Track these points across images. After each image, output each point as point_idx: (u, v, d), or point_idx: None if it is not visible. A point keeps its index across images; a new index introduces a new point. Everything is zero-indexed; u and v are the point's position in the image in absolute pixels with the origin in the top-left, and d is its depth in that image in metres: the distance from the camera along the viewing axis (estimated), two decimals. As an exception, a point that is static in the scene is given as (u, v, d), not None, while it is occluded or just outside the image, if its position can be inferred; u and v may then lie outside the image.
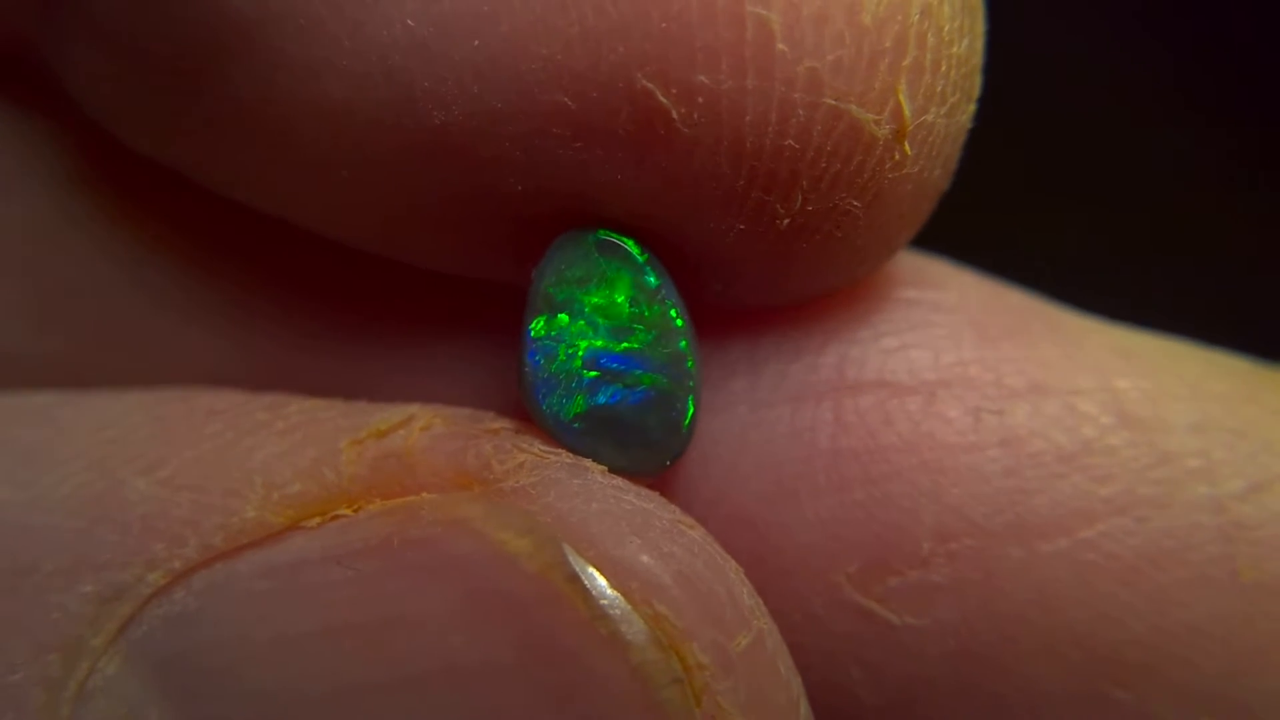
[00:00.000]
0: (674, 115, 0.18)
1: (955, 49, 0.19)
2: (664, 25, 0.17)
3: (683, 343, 0.20)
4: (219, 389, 0.20)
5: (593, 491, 0.18)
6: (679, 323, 0.20)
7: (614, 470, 0.19)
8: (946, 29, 0.18)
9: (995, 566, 0.20)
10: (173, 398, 0.20)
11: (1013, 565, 0.20)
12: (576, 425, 0.19)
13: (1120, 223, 0.57)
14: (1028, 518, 0.20)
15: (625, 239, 0.20)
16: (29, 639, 0.18)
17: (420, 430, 0.19)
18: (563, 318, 0.19)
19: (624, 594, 0.17)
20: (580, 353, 0.19)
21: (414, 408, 0.19)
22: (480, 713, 0.17)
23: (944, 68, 0.18)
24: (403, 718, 0.17)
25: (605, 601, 0.17)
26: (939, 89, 0.19)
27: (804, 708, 0.18)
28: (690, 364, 0.20)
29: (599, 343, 0.19)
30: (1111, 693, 0.20)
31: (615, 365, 0.19)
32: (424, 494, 0.18)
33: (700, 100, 0.18)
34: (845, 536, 0.21)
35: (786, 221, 0.19)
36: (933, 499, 0.20)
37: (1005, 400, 0.21)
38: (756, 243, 0.19)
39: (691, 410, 0.20)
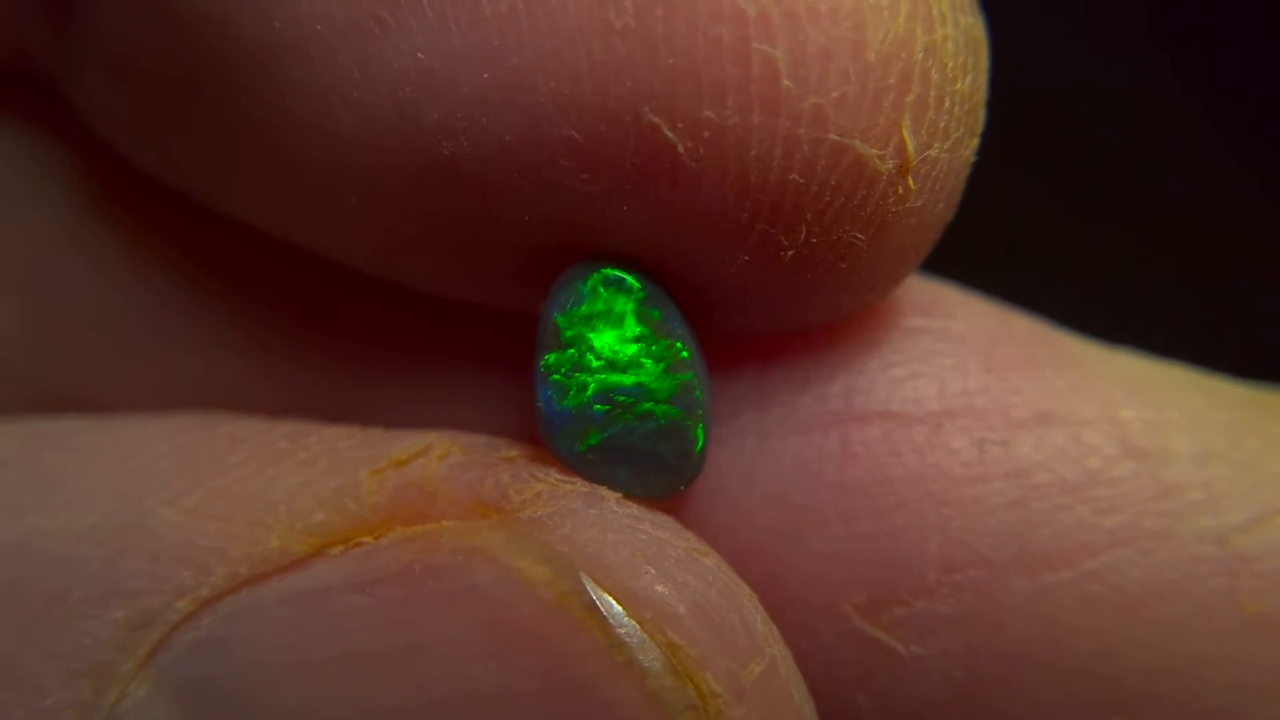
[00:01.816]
0: (680, 149, 0.18)
1: (959, 85, 0.19)
2: (671, 61, 0.18)
3: (689, 374, 0.20)
4: (239, 416, 0.21)
5: (608, 521, 0.18)
6: (685, 354, 0.20)
7: (629, 496, 0.19)
8: (950, 66, 0.19)
9: (1000, 597, 0.20)
10: (194, 425, 0.20)
11: (1017, 596, 0.20)
12: (591, 458, 0.20)
13: (1126, 245, 0.57)
14: (1032, 549, 0.20)
15: (630, 274, 0.20)
16: (60, 665, 0.18)
17: (438, 459, 0.19)
18: (571, 354, 0.20)
19: (639, 623, 0.17)
20: (590, 388, 0.20)
21: (431, 435, 0.20)
22: None
23: (947, 104, 0.19)
24: None
25: (622, 630, 0.17)
26: (942, 125, 0.19)
27: None
28: (699, 393, 0.20)
29: (608, 378, 0.20)
30: None
31: (625, 399, 0.20)
32: (444, 522, 0.19)
33: (706, 135, 0.18)
34: (852, 568, 0.21)
35: (791, 253, 0.19)
36: (938, 530, 0.21)
37: (1011, 431, 0.21)
38: (761, 274, 0.20)
39: (702, 437, 0.20)
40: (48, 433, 0.21)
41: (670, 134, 0.18)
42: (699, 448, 0.20)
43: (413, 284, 0.22)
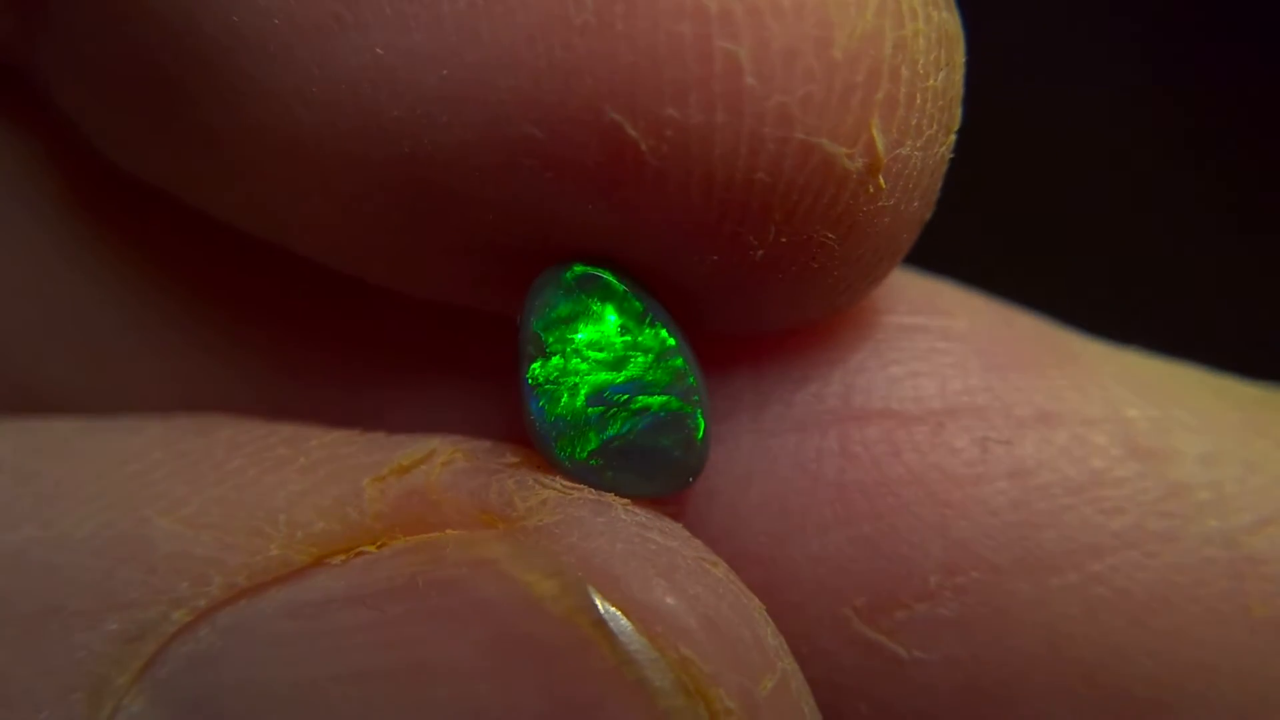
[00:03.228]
0: (643, 148, 0.18)
1: (931, 81, 0.18)
2: (632, 58, 0.17)
3: (679, 360, 0.20)
4: (237, 419, 0.20)
5: (617, 531, 0.18)
6: (671, 341, 0.20)
7: (638, 498, 0.19)
8: (922, 62, 0.18)
9: (1003, 601, 0.20)
10: (191, 430, 0.20)
11: (1021, 599, 0.20)
12: (593, 463, 0.19)
13: (1126, 245, 0.57)
14: (1036, 551, 0.20)
15: (603, 270, 0.20)
16: (54, 678, 0.17)
17: (442, 466, 0.19)
18: (556, 360, 0.19)
19: (650, 638, 0.17)
20: (582, 391, 0.19)
21: (434, 441, 0.19)
22: None
23: (919, 101, 0.18)
24: None
25: (632, 647, 0.17)
26: (914, 122, 0.18)
27: None
28: (692, 379, 0.20)
29: (598, 377, 0.19)
30: None
31: (619, 395, 0.19)
32: (448, 531, 0.18)
33: (669, 134, 0.18)
34: (852, 570, 0.21)
35: (761, 253, 0.19)
36: (940, 532, 0.20)
37: (1013, 430, 0.21)
38: (732, 274, 0.19)
39: (703, 423, 0.20)
40: (42, 436, 0.20)
41: (633, 132, 0.18)
42: (700, 434, 0.20)
43: (386, 285, 0.22)
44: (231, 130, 0.19)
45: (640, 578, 0.17)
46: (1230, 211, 0.58)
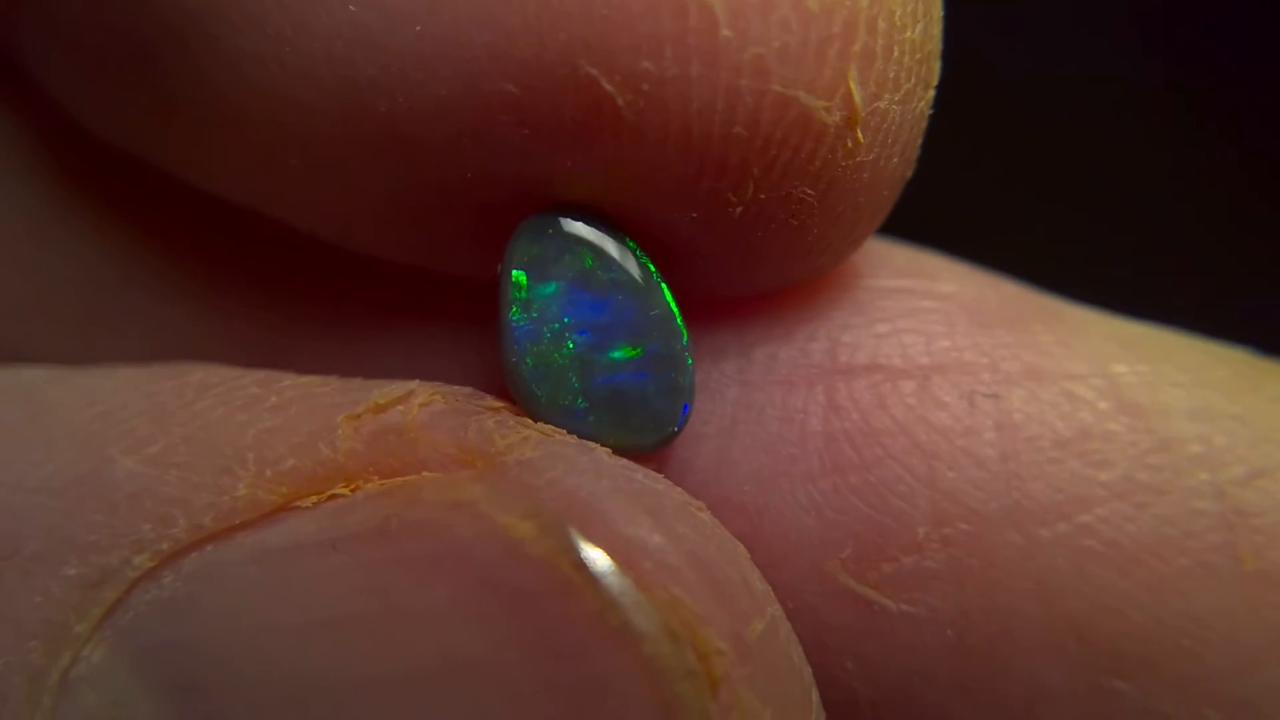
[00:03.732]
0: (619, 102, 0.18)
1: (909, 34, 0.18)
2: (606, 12, 0.17)
3: (662, 304, 0.19)
4: (211, 365, 0.20)
5: (601, 468, 0.18)
6: (656, 277, 0.19)
7: (619, 450, 0.19)
8: (899, 14, 0.18)
9: (992, 553, 0.20)
10: (164, 374, 0.19)
11: (1010, 551, 0.20)
12: (579, 404, 0.19)
13: (1116, 225, 0.57)
14: (1024, 503, 0.20)
15: (584, 217, 0.19)
16: (10, 625, 0.17)
17: (420, 406, 0.18)
18: (541, 291, 0.19)
19: (636, 577, 0.17)
20: (566, 330, 0.19)
21: (414, 384, 0.19)
22: (482, 710, 0.17)
23: (897, 53, 0.18)
24: (401, 714, 0.17)
25: (616, 589, 0.16)
26: (892, 75, 0.18)
27: (815, 698, 0.18)
28: (677, 323, 0.19)
29: (579, 320, 0.19)
30: (1112, 685, 0.20)
31: (601, 339, 0.19)
32: (425, 473, 0.18)
33: (645, 88, 0.17)
34: (838, 521, 0.20)
35: (740, 210, 0.19)
36: (927, 483, 0.20)
37: (1001, 385, 0.21)
38: (712, 232, 0.19)
39: (688, 371, 0.19)
40: (10, 383, 0.20)
41: (608, 86, 0.17)
42: (686, 380, 0.19)
43: (368, 250, 0.22)
44: (208, 94, 0.19)
45: (626, 514, 0.17)
46: (1230, 204, 0.58)
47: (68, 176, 0.24)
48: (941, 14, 0.19)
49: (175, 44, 0.19)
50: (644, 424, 0.19)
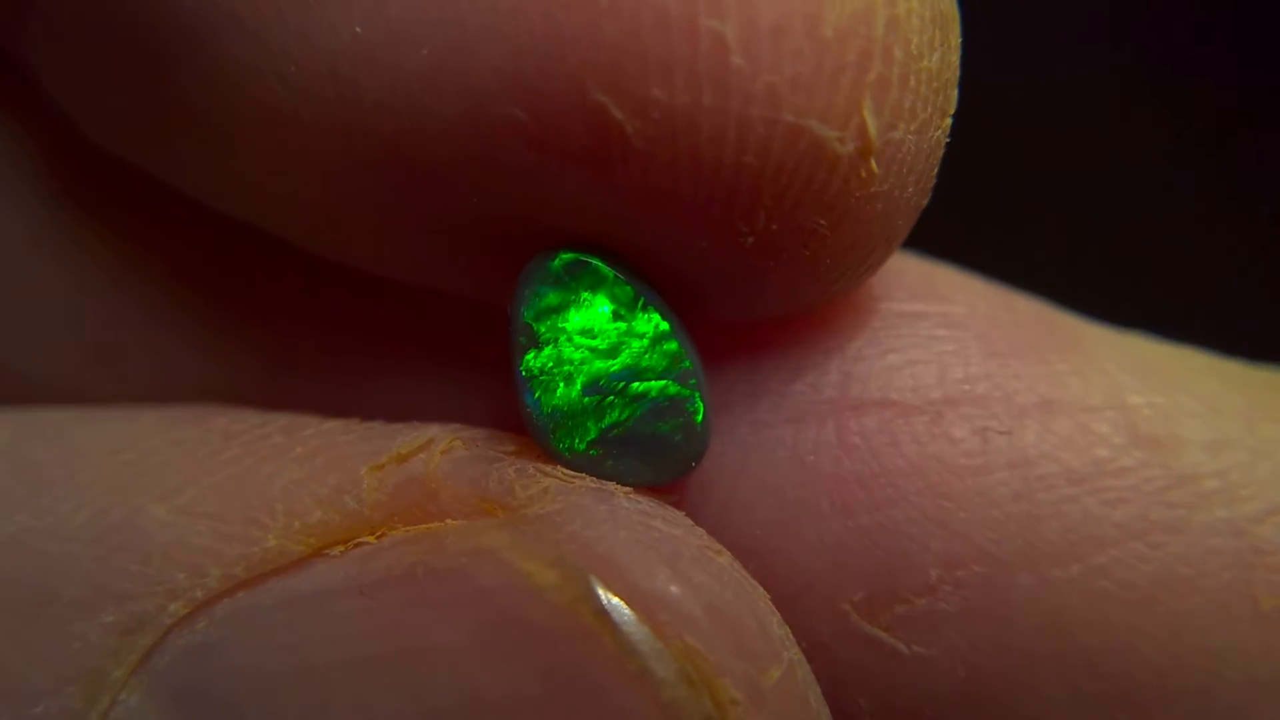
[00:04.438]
0: (628, 130, 0.17)
1: (925, 63, 0.18)
2: (616, 36, 0.17)
3: (674, 343, 0.19)
4: (233, 409, 0.20)
5: (619, 518, 0.18)
6: (665, 325, 0.19)
7: (640, 486, 0.19)
8: (915, 42, 0.18)
9: (1005, 594, 0.20)
10: (188, 419, 0.20)
11: (1023, 593, 0.20)
12: (593, 453, 0.19)
13: (1124, 243, 0.57)
14: (1038, 544, 0.20)
15: (591, 256, 0.19)
16: (49, 670, 0.17)
17: (441, 454, 0.18)
18: (549, 350, 0.19)
19: (654, 627, 0.17)
20: (577, 380, 0.19)
21: (433, 429, 0.19)
22: None
23: (913, 82, 0.18)
24: None
25: (635, 637, 0.17)
26: (907, 105, 0.18)
27: None
28: (688, 363, 0.19)
29: (593, 365, 0.19)
30: None
31: (615, 383, 0.19)
32: (448, 520, 0.18)
33: (655, 115, 0.17)
34: (851, 564, 0.20)
35: (751, 240, 0.18)
36: (940, 525, 0.20)
37: (1014, 419, 0.20)
38: (723, 261, 0.19)
39: (702, 407, 0.19)
40: (38, 425, 0.20)
41: (618, 113, 0.17)
42: (700, 418, 0.19)
43: (375, 271, 0.21)
44: (212, 109, 0.19)
45: (644, 565, 0.17)
46: (1231, 204, 0.58)
47: (74, 194, 0.23)
48: (959, 42, 0.19)
49: (179, 55, 0.19)
50: (662, 464, 0.19)
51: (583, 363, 0.19)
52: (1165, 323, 0.25)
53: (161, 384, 0.23)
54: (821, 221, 0.18)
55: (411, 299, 0.23)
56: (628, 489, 0.19)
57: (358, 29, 0.17)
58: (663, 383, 0.19)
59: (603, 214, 0.19)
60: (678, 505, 0.20)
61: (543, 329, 0.19)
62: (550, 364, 0.19)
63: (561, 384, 0.19)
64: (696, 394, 0.19)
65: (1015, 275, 0.24)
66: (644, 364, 0.19)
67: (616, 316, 0.19)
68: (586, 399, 0.19)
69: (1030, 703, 0.20)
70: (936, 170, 0.20)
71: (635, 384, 0.19)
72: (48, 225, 0.24)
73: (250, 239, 0.22)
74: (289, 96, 0.18)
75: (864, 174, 0.18)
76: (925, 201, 0.20)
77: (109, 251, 0.23)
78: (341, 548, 0.18)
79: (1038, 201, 0.58)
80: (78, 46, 0.20)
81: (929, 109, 0.18)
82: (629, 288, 0.19)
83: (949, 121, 0.19)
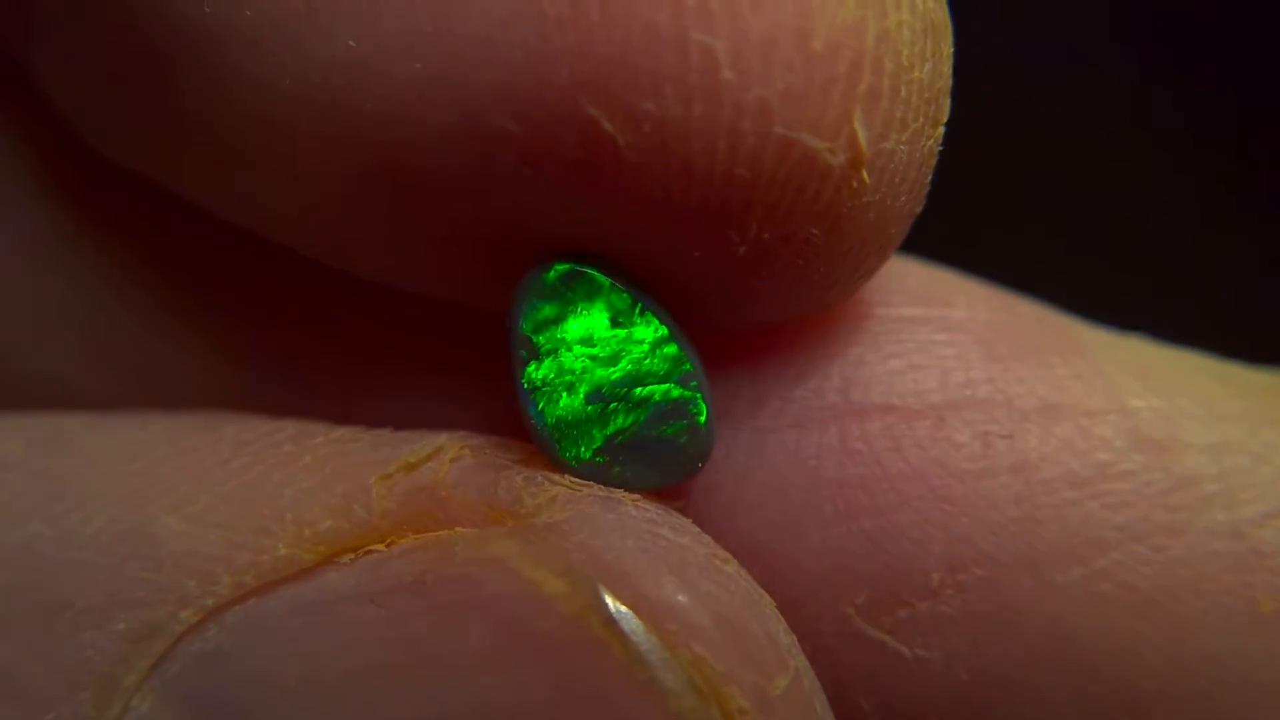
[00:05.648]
0: (620, 143, 0.17)
1: (916, 73, 0.18)
2: (607, 50, 0.17)
3: (673, 347, 0.19)
4: (242, 416, 0.20)
5: (627, 527, 0.18)
6: (664, 329, 0.19)
7: (647, 490, 0.19)
8: (906, 54, 0.18)
9: (1007, 597, 0.20)
10: (198, 426, 0.20)
11: (1025, 596, 0.20)
12: (599, 460, 0.19)
13: (1125, 242, 0.57)
14: (1039, 547, 0.20)
15: (586, 266, 0.19)
16: (62, 677, 0.17)
17: (450, 463, 0.19)
18: (550, 361, 0.19)
19: (662, 636, 0.17)
20: (580, 389, 0.19)
21: (441, 438, 0.19)
22: None
23: (904, 93, 0.18)
24: None
25: (643, 646, 0.17)
26: (899, 115, 0.18)
27: None
28: (689, 365, 0.20)
29: (594, 373, 0.19)
30: None
31: (618, 390, 0.19)
32: (457, 529, 0.18)
33: (647, 128, 0.17)
34: (853, 567, 0.20)
35: (744, 249, 0.19)
36: (942, 528, 0.20)
37: (1015, 423, 0.21)
38: (717, 269, 0.19)
39: (705, 408, 0.20)
40: (48, 432, 0.20)
41: (609, 127, 0.17)
42: (704, 419, 0.20)
43: (373, 278, 0.22)
44: (210, 117, 0.19)
45: (651, 575, 0.17)
46: (1231, 203, 0.58)
47: (79, 200, 0.24)
48: (952, 51, 0.19)
49: (177, 67, 0.19)
50: (668, 467, 0.20)
51: (584, 372, 0.19)
52: (1166, 325, 0.25)
53: (163, 388, 0.23)
54: (814, 231, 0.18)
55: (413, 306, 0.23)
56: (635, 496, 0.19)
57: (352, 42, 0.18)
58: (665, 386, 0.19)
59: (596, 224, 0.19)
60: (684, 511, 0.20)
61: (542, 340, 0.19)
62: (552, 375, 0.19)
63: (564, 394, 0.19)
64: (699, 395, 0.19)
65: (1016, 278, 0.24)
66: (645, 369, 0.19)
67: (615, 324, 0.19)
68: (590, 407, 0.19)
69: (1032, 706, 0.20)
70: (930, 178, 0.20)
71: (638, 389, 0.19)
72: (48, 230, 0.24)
73: (250, 245, 0.22)
74: (284, 105, 0.18)
75: (855, 184, 0.18)
76: (919, 209, 0.20)
77: (109, 257, 0.24)
78: (351, 556, 0.18)
79: (1038, 204, 0.58)
80: (78, 53, 0.20)
81: (920, 119, 0.19)
82: (626, 294, 0.19)
83: (942, 130, 0.19)
